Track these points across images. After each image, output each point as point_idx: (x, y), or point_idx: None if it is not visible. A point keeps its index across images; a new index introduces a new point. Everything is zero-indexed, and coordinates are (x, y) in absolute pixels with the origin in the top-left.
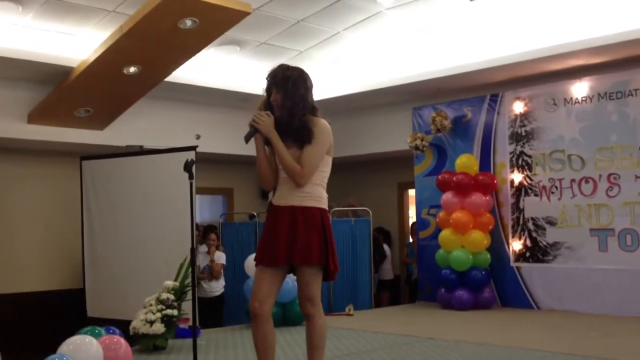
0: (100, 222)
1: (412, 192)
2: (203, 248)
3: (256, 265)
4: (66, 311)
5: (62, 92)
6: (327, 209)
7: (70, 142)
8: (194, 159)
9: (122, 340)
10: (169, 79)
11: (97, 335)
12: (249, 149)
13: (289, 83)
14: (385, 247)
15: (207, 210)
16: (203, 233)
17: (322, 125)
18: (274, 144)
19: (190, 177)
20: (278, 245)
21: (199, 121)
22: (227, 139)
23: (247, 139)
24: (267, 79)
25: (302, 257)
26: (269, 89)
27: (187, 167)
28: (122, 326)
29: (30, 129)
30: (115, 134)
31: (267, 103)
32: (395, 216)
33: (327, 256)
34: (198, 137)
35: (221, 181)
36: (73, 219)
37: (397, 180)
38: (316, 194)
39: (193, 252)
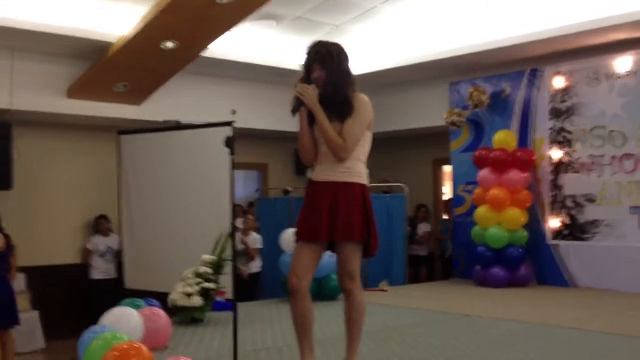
0: (138, 196)
1: (447, 168)
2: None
3: (296, 241)
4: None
5: (101, 67)
6: (367, 184)
7: (108, 116)
8: (232, 134)
9: (162, 312)
10: (205, 53)
11: (137, 307)
12: (284, 125)
13: (333, 58)
14: (423, 225)
15: (242, 185)
16: (243, 210)
17: (363, 99)
18: (317, 117)
19: (232, 152)
20: (320, 221)
21: (235, 96)
22: (263, 114)
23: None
24: (307, 55)
25: (344, 233)
26: (309, 66)
27: (229, 142)
28: (159, 298)
29: (70, 103)
30: (152, 109)
31: (306, 79)
32: (431, 192)
33: (369, 232)
34: (234, 112)
35: (256, 156)
36: (110, 192)
37: (432, 156)
38: (357, 169)
39: (233, 226)
